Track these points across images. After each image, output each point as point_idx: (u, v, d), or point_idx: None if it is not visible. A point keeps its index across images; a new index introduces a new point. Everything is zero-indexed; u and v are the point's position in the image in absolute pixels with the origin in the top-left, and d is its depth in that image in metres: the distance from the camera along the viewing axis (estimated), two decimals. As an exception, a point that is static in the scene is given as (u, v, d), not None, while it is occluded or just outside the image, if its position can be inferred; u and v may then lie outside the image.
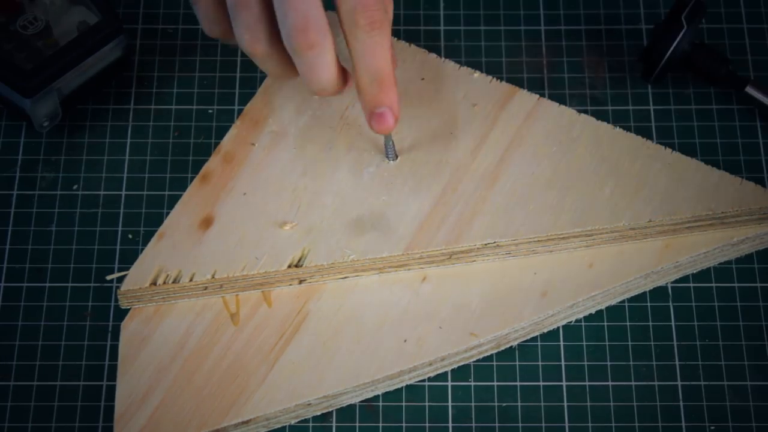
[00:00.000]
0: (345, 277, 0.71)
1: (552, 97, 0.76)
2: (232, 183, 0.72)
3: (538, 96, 0.75)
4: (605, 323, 0.72)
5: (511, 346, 0.71)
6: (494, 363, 0.70)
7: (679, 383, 0.70)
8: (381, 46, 0.65)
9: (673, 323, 0.72)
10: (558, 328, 0.71)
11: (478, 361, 0.70)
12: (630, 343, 0.71)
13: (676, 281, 0.73)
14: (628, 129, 0.74)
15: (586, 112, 0.76)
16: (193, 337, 0.69)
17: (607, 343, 0.71)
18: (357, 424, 0.69)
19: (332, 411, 0.69)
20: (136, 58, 0.80)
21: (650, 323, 0.72)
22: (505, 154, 0.73)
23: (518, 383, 0.70)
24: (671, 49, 0.76)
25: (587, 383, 0.70)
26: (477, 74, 0.76)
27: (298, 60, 0.65)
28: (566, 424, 0.69)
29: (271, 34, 0.65)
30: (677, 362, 0.70)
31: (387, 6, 0.66)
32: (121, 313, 0.70)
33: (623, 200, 0.71)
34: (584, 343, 0.71)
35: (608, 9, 0.82)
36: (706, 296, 0.72)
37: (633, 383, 0.70)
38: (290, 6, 0.63)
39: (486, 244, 0.70)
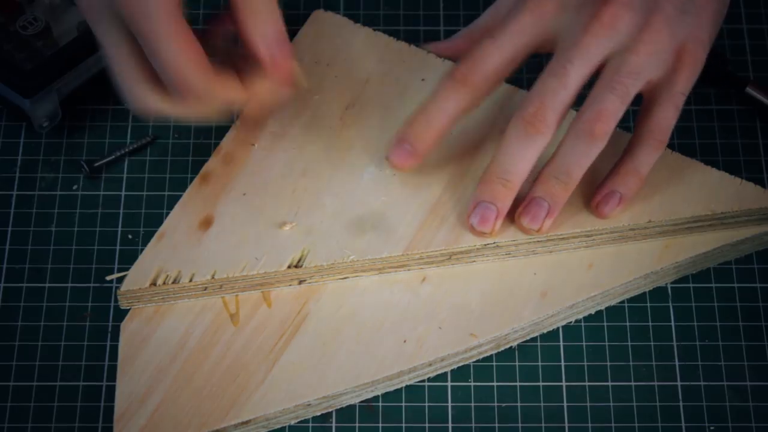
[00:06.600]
0: (345, 278, 0.71)
1: (552, 98, 0.76)
2: (232, 183, 0.72)
3: (538, 96, 0.75)
4: (605, 323, 0.72)
5: (510, 347, 0.71)
6: (494, 363, 0.70)
7: (679, 383, 0.70)
8: None
9: (672, 323, 0.72)
10: (558, 328, 0.71)
11: (477, 361, 0.70)
12: (630, 343, 0.71)
13: (675, 282, 0.73)
14: (627, 129, 0.74)
15: (585, 112, 0.76)
16: (192, 338, 0.69)
17: (606, 344, 0.71)
18: (357, 425, 0.69)
19: (332, 411, 0.69)
20: (136, 58, 0.80)
21: (650, 323, 0.72)
22: (505, 155, 0.73)
23: (518, 383, 0.70)
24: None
25: (587, 383, 0.70)
26: (477, 74, 0.75)
27: None
28: (566, 425, 0.69)
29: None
30: (677, 362, 0.70)
31: None
32: (121, 314, 0.70)
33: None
34: (584, 344, 0.71)
35: (608, 9, 0.82)
36: (706, 297, 0.72)
37: (633, 383, 0.70)
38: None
39: (486, 245, 0.70)
